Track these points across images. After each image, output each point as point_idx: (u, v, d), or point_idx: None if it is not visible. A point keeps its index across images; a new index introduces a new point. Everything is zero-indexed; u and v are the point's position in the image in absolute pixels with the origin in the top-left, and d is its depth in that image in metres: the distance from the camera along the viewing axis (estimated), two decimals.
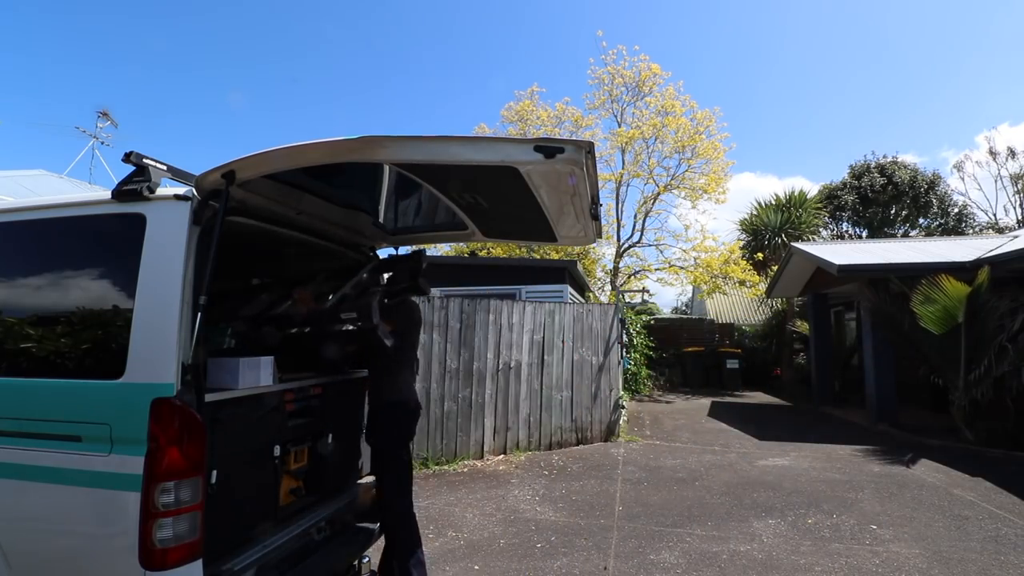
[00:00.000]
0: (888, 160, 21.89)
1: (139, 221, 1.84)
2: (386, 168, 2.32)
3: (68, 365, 1.90)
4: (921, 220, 22.15)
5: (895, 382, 8.78)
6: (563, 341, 7.15)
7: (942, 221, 21.91)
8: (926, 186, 21.20)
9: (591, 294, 13.27)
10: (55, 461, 1.74)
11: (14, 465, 1.78)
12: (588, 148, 1.66)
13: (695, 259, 13.92)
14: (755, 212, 15.54)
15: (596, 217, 2.25)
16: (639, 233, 15.02)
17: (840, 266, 8.49)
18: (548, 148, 1.61)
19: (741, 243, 15.05)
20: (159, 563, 1.60)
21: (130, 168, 1.87)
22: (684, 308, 31.62)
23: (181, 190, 1.85)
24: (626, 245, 15.05)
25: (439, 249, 15.29)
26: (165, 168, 1.96)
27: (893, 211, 21.72)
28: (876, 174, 21.26)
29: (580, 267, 10.71)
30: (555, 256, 13.23)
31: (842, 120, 59.34)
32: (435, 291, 7.10)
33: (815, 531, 4.08)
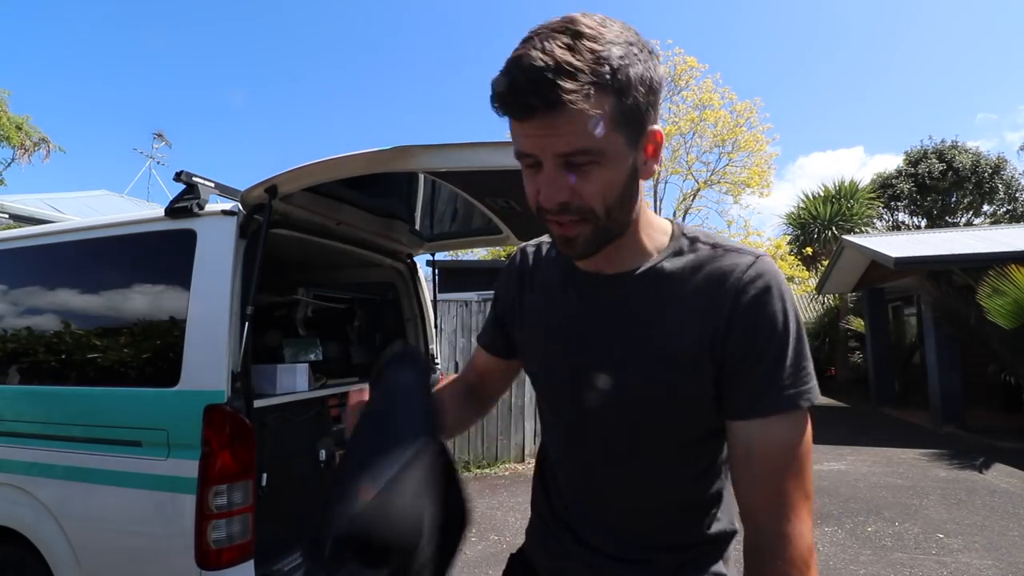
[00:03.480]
0: (947, 145, 20.61)
1: (190, 236, 1.94)
2: (420, 176, 2.36)
3: (129, 374, 2.02)
4: (986, 207, 20.74)
5: (961, 381, 8.23)
6: None
7: (1010, 207, 20.44)
8: (990, 171, 19.82)
9: None
10: (118, 465, 1.85)
11: (82, 469, 1.90)
12: None
13: None
14: (803, 204, 14.95)
15: None
16: None
17: (897, 259, 8.04)
18: None
19: (788, 238, 14.50)
20: (214, 563, 1.67)
21: (181, 186, 1.98)
22: None
23: (228, 205, 1.94)
24: None
25: (475, 253, 15.42)
26: (213, 185, 2.06)
27: (954, 199, 20.43)
28: (934, 159, 20.03)
29: None
30: None
31: (909, 95, 56.39)
32: (472, 295, 7.17)
33: (876, 540, 3.87)
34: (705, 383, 0.67)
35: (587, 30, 0.58)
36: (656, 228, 0.74)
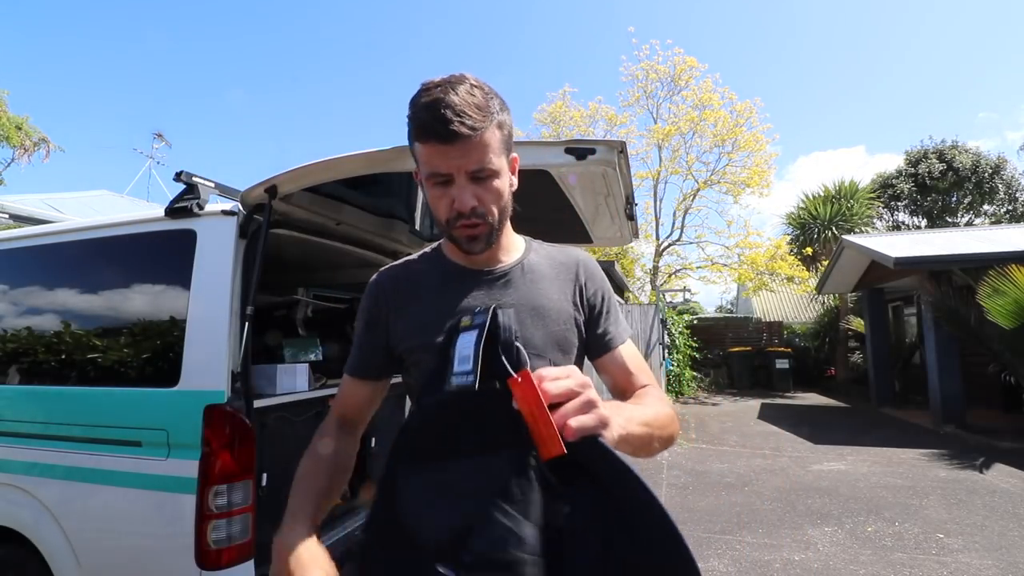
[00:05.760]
0: (947, 145, 20.58)
1: (190, 236, 1.93)
2: None
3: (129, 374, 2.02)
4: (986, 207, 20.70)
5: (961, 381, 8.23)
6: None
7: (1010, 207, 20.42)
8: (991, 171, 19.79)
9: (630, 294, 13.07)
10: (118, 465, 1.85)
11: (83, 469, 1.90)
12: (620, 148, 1.64)
13: (739, 256, 13.48)
14: (803, 205, 14.92)
15: (631, 217, 2.21)
16: (679, 231, 14.69)
17: (897, 259, 8.04)
18: (579, 150, 1.59)
19: (788, 238, 14.47)
20: (214, 563, 1.67)
21: (181, 186, 1.97)
22: (729, 307, 30.71)
23: (228, 206, 1.94)
24: (665, 243, 14.74)
25: None
26: (213, 185, 2.06)
27: (954, 199, 20.41)
28: (934, 159, 20.01)
29: (618, 267, 10.58)
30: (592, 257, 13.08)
31: (909, 94, 56.31)
32: None
33: (876, 539, 3.87)
34: (578, 331, 0.98)
35: (477, 83, 0.81)
36: (508, 234, 0.98)
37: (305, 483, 0.97)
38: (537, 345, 0.91)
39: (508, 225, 0.95)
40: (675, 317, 12.16)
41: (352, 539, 2.47)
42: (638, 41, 19.22)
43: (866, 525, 4.15)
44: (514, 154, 0.91)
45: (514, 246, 1.00)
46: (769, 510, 4.54)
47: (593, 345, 1.00)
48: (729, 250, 13.86)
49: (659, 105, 15.12)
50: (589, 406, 0.63)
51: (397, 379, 1.03)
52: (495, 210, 0.86)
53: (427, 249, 1.07)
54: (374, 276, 1.06)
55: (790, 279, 13.21)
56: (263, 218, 1.85)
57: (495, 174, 0.84)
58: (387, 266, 1.08)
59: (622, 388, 0.99)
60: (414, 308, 0.96)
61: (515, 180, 0.92)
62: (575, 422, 0.61)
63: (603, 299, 1.01)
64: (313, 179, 1.88)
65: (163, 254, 2.07)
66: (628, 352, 1.01)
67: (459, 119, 0.76)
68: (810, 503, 4.70)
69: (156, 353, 1.98)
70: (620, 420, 0.69)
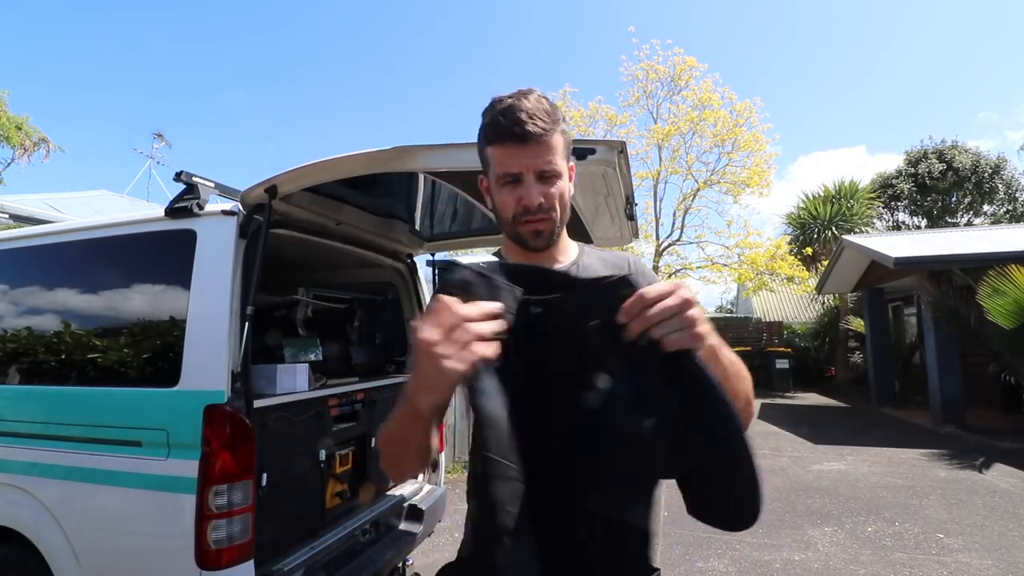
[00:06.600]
0: (947, 145, 20.58)
1: (190, 236, 1.93)
2: (420, 176, 2.35)
3: (129, 374, 2.02)
4: (986, 207, 20.71)
5: (961, 381, 8.23)
6: None
7: (1010, 207, 20.42)
8: (990, 171, 19.79)
9: None
10: (118, 465, 1.85)
11: (82, 469, 1.90)
12: (620, 148, 1.64)
13: (739, 256, 13.48)
14: (803, 205, 14.92)
15: (632, 217, 2.21)
16: (679, 231, 14.68)
17: (897, 259, 8.04)
18: (579, 150, 1.59)
19: (788, 238, 14.47)
20: (213, 563, 1.67)
21: (181, 186, 1.97)
22: (729, 307, 30.70)
23: (228, 206, 1.94)
24: (666, 243, 14.73)
25: (475, 253, 15.38)
26: (213, 185, 2.06)
27: (954, 199, 20.41)
28: (934, 160, 20.00)
29: None
30: None
31: (910, 94, 56.29)
32: None
33: (876, 539, 3.87)
34: None
35: (542, 95, 0.89)
36: (564, 238, 1.03)
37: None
38: None
39: (564, 230, 1.00)
40: None
41: (352, 538, 2.47)
42: (638, 41, 19.21)
43: (866, 525, 4.15)
44: (571, 162, 0.97)
45: (570, 248, 1.05)
46: (769, 510, 4.53)
47: None
48: (729, 250, 13.86)
49: (659, 105, 15.11)
50: (690, 322, 0.67)
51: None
52: (559, 208, 0.92)
53: (490, 258, 1.09)
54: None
55: (790, 279, 13.20)
56: (263, 218, 1.85)
57: (559, 175, 0.90)
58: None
59: None
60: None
61: (572, 188, 0.97)
62: (675, 337, 0.67)
63: None
64: (313, 179, 1.88)
65: (163, 254, 2.07)
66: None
67: (532, 121, 0.84)
68: (810, 503, 4.70)
69: (156, 353, 1.97)
70: (716, 339, 0.74)
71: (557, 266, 1.01)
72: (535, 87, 0.90)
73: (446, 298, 0.67)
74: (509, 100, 0.86)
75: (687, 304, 0.67)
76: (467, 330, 0.64)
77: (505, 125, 0.85)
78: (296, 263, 3.01)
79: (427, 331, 0.64)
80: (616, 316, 0.68)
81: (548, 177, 0.89)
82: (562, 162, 0.91)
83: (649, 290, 0.68)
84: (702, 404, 0.67)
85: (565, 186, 0.92)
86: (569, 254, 1.04)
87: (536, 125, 0.85)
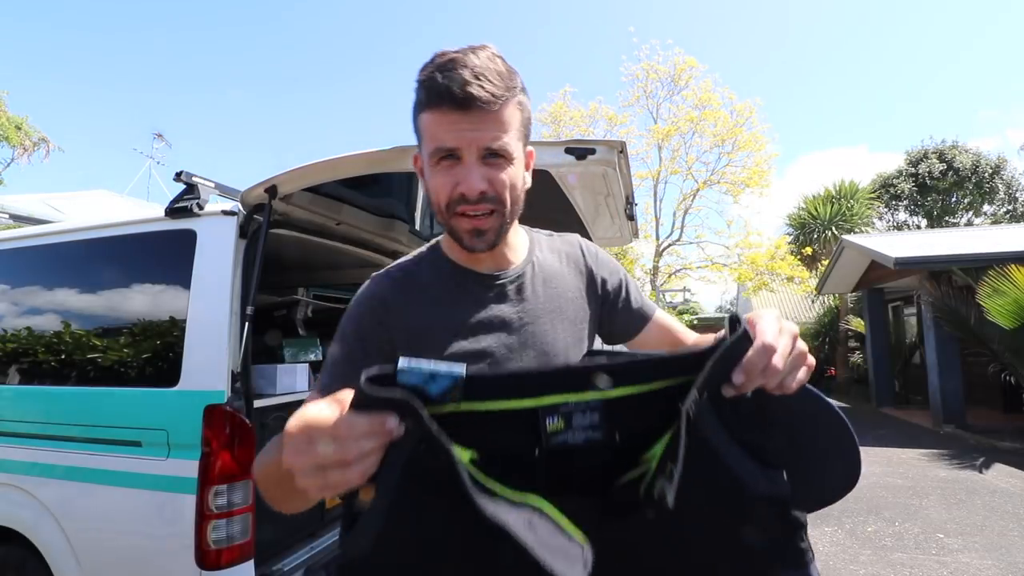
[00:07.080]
0: (947, 145, 20.59)
1: (190, 236, 1.93)
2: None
3: (129, 374, 2.02)
4: (986, 207, 20.70)
5: (961, 381, 8.23)
6: None
7: (1010, 207, 20.42)
8: (991, 171, 19.79)
9: None
10: (118, 465, 1.85)
11: (82, 469, 1.90)
12: (620, 148, 1.64)
13: (739, 256, 13.49)
14: (803, 205, 14.93)
15: (631, 217, 2.21)
16: (679, 231, 14.70)
17: (897, 259, 8.04)
18: (579, 150, 1.59)
19: (788, 238, 14.48)
20: (213, 563, 1.67)
21: (181, 186, 1.97)
22: (729, 307, 30.71)
23: (228, 206, 1.94)
24: (665, 244, 14.75)
25: None
26: (213, 185, 2.06)
27: (954, 199, 20.40)
28: (934, 159, 20.01)
29: None
30: None
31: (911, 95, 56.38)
32: None
33: (875, 539, 3.87)
34: (590, 322, 0.89)
35: (498, 53, 0.69)
36: (516, 230, 0.86)
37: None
38: (560, 349, 0.83)
39: (516, 222, 0.81)
40: (675, 317, 12.14)
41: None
42: (638, 41, 19.27)
43: (866, 525, 4.15)
44: (530, 148, 0.77)
45: (521, 243, 0.87)
46: None
47: (630, 322, 0.94)
48: (729, 250, 13.89)
49: (659, 105, 15.13)
50: (803, 359, 0.55)
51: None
52: (508, 200, 0.72)
53: (422, 250, 0.90)
54: (370, 286, 0.84)
55: (790, 279, 13.22)
56: (263, 218, 1.85)
57: (510, 159, 0.70)
58: (383, 274, 0.86)
59: (681, 341, 0.94)
60: (426, 315, 0.80)
61: (529, 178, 0.78)
62: (795, 381, 0.54)
63: (621, 279, 0.94)
64: (313, 179, 1.88)
65: (163, 254, 2.07)
66: (666, 316, 0.97)
67: (478, 82, 0.64)
68: None
69: (156, 353, 1.98)
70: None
71: (511, 268, 0.82)
72: (490, 44, 0.69)
73: (323, 410, 0.44)
74: (453, 54, 0.66)
75: (796, 337, 0.54)
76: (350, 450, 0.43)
77: (443, 84, 0.65)
78: (296, 263, 3.01)
79: (295, 448, 0.44)
80: (723, 390, 0.51)
81: (496, 158, 0.69)
82: (516, 144, 0.71)
83: (767, 333, 0.51)
84: (809, 428, 0.58)
85: (518, 174, 0.73)
86: (520, 250, 0.85)
87: (483, 88, 0.64)
